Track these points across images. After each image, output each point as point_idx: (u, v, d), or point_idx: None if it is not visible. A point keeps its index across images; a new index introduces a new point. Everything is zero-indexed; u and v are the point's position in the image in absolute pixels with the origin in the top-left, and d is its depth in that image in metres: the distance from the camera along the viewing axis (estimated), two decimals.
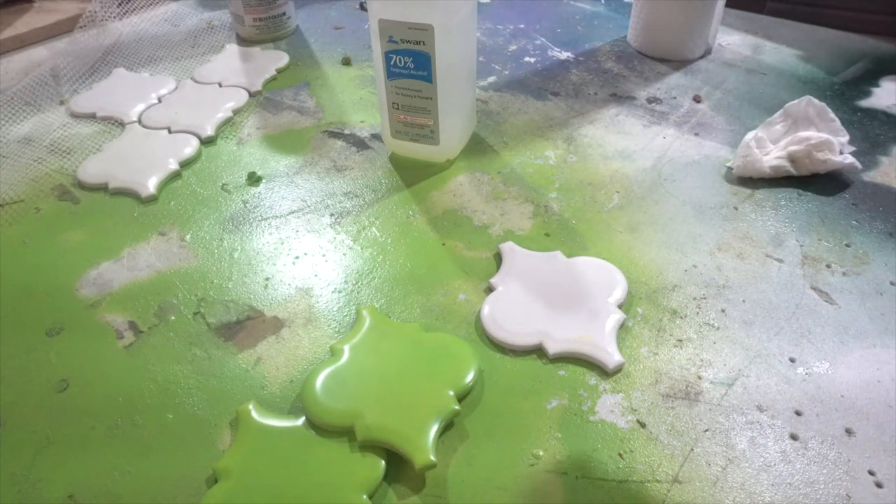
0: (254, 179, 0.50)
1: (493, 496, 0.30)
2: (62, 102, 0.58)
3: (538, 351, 0.36)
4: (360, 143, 0.54)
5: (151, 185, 0.48)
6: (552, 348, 0.36)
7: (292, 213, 0.47)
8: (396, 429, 0.31)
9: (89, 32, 0.66)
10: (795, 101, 0.49)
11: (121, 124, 0.55)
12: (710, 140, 0.53)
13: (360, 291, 0.41)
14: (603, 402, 0.34)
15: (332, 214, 0.47)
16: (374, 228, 0.45)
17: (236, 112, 0.57)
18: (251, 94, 0.59)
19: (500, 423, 0.33)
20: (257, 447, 0.32)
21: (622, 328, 0.38)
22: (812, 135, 0.47)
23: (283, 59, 0.64)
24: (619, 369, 0.35)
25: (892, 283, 0.40)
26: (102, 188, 0.49)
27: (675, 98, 0.58)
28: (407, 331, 0.37)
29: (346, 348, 0.35)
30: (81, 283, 0.41)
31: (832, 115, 0.49)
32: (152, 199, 0.48)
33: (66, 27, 0.68)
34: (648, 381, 0.35)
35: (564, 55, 0.65)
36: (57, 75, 0.60)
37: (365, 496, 0.29)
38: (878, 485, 0.30)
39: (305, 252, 0.44)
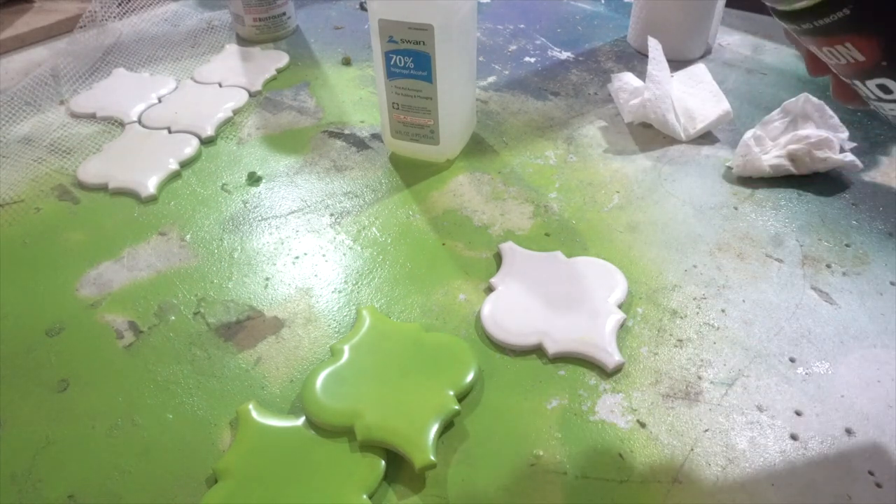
0: (254, 179, 0.50)
1: (493, 496, 0.30)
2: (62, 102, 0.58)
3: (538, 351, 0.37)
4: (360, 143, 0.54)
5: (151, 185, 0.48)
6: (552, 348, 0.36)
7: (292, 213, 0.47)
8: (396, 429, 0.31)
9: (89, 32, 0.66)
10: (793, 99, 0.49)
11: (121, 124, 0.55)
12: (710, 140, 0.53)
13: (360, 291, 0.41)
14: (603, 402, 0.34)
15: (332, 214, 0.47)
16: (374, 228, 0.45)
17: (236, 112, 0.57)
18: (251, 94, 0.59)
19: (500, 423, 0.33)
20: (257, 447, 0.32)
21: (622, 328, 0.38)
22: (811, 133, 0.47)
23: (283, 59, 0.64)
24: (619, 369, 0.35)
25: (892, 283, 0.40)
26: (102, 188, 0.49)
27: None
28: (407, 331, 0.37)
29: (346, 348, 0.35)
30: (81, 283, 0.41)
31: (830, 111, 0.49)
32: (152, 199, 0.48)
33: (66, 27, 0.68)
34: (648, 381, 0.35)
35: (564, 55, 0.65)
36: (57, 75, 0.60)
37: (365, 496, 0.29)
38: (878, 485, 0.30)
39: (305, 252, 0.44)
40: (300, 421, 0.33)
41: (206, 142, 0.54)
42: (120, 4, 0.69)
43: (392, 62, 0.46)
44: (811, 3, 0.21)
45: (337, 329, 0.38)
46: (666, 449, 0.32)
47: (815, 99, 0.49)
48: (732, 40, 0.67)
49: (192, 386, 0.35)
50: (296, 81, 0.62)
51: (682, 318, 0.38)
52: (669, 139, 0.53)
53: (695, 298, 0.40)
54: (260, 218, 0.46)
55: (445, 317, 0.39)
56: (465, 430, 0.33)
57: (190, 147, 0.52)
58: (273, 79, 0.62)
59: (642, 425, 0.33)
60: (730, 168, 0.49)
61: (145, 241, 0.45)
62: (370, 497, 0.30)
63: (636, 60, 0.64)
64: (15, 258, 0.43)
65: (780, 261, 0.42)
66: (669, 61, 0.55)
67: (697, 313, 0.39)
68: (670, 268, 0.42)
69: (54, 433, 0.33)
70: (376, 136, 0.54)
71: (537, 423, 0.33)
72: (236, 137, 0.55)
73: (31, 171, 0.51)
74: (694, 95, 0.55)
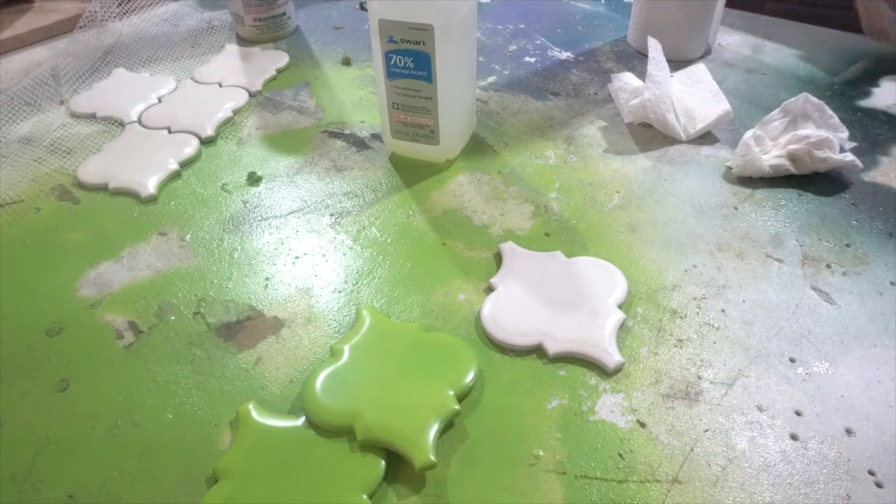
0: (254, 179, 0.50)
1: (493, 496, 0.30)
2: (62, 102, 0.58)
3: (538, 351, 0.37)
4: (360, 143, 0.54)
5: (151, 185, 0.48)
6: (552, 348, 0.36)
7: (292, 213, 0.47)
8: (396, 429, 0.31)
9: (89, 32, 0.66)
10: (793, 99, 0.49)
11: (121, 124, 0.55)
12: (710, 140, 0.53)
13: (360, 291, 0.41)
14: (603, 402, 0.34)
15: (332, 214, 0.47)
16: (374, 228, 0.45)
17: (236, 112, 0.57)
18: (251, 94, 0.59)
19: (500, 423, 0.33)
20: (257, 447, 0.32)
21: (622, 328, 0.38)
22: (811, 133, 0.47)
23: (283, 59, 0.64)
24: (619, 369, 0.35)
25: (892, 283, 0.40)
26: (102, 188, 0.49)
27: None
28: (407, 331, 0.37)
29: (346, 348, 0.35)
30: (81, 283, 0.41)
31: (830, 111, 0.49)
32: (152, 199, 0.48)
33: (66, 27, 0.68)
34: (648, 381, 0.35)
35: (564, 55, 0.65)
36: (57, 75, 0.60)
37: (365, 496, 0.29)
38: (878, 485, 0.30)
39: (305, 252, 0.44)
40: (300, 421, 0.33)
41: (206, 142, 0.54)
42: (120, 4, 0.69)
43: (392, 62, 0.46)
44: None
45: (337, 329, 0.38)
46: (666, 449, 0.32)
47: (814, 99, 0.49)
48: (732, 40, 0.67)
49: (192, 386, 0.35)
50: (296, 81, 0.62)
51: (682, 318, 0.38)
52: (669, 139, 0.53)
53: (695, 298, 0.40)
54: (260, 218, 0.46)
55: (445, 317, 0.39)
56: (465, 430, 0.33)
57: (190, 147, 0.52)
58: (273, 79, 0.62)
59: (642, 425, 0.33)
60: (730, 168, 0.49)
61: (145, 241, 0.45)
62: (370, 497, 0.30)
63: (636, 60, 0.64)
64: (15, 258, 0.43)
65: (780, 261, 0.42)
66: (669, 61, 0.55)
67: (697, 313, 0.39)
68: (670, 268, 0.42)
69: (54, 433, 0.33)
70: (376, 136, 0.54)
71: (537, 423, 0.33)
72: (236, 137, 0.55)
73: (31, 171, 0.51)
74: (694, 95, 0.55)
